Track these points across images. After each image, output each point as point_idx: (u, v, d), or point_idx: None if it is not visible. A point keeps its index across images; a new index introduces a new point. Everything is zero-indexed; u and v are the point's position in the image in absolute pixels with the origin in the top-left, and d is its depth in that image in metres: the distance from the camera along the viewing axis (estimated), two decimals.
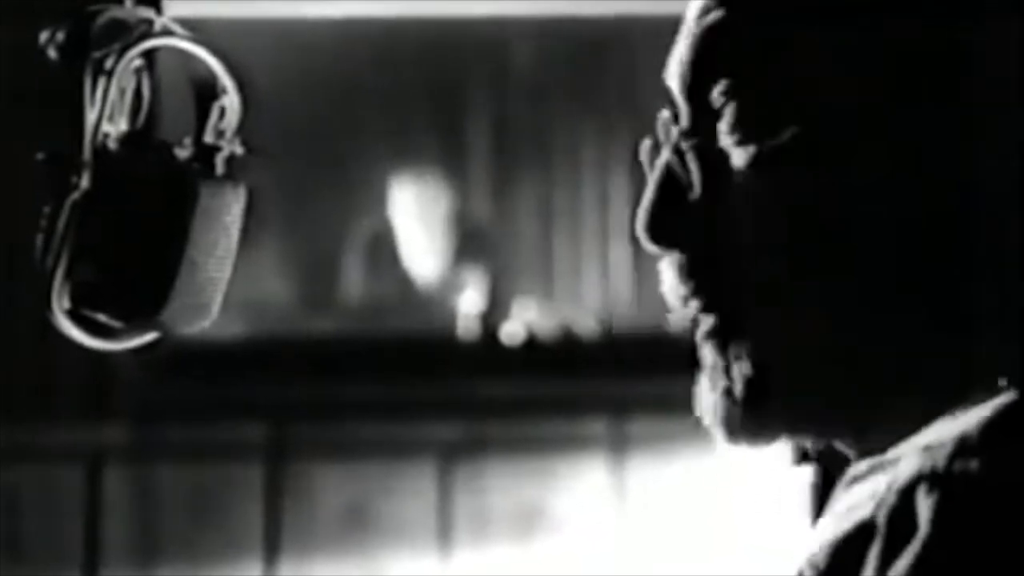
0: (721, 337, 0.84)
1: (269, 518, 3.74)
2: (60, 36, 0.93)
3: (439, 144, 4.45)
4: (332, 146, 4.46)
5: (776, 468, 1.00)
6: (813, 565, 0.78)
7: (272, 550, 3.72)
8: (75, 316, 0.93)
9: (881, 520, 0.74)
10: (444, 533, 3.77)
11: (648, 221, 0.85)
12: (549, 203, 4.51)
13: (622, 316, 4.35)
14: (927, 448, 0.76)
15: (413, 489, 3.77)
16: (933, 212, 0.82)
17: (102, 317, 0.93)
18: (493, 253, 4.42)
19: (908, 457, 0.76)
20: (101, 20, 0.93)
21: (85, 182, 0.92)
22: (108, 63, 0.93)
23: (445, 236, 4.39)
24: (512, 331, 4.16)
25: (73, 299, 0.92)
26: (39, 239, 0.92)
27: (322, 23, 4.33)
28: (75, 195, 0.92)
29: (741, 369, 0.84)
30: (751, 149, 0.83)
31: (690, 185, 0.85)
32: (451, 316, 4.22)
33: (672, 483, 3.70)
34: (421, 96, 4.52)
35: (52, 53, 0.93)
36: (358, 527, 3.75)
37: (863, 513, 0.76)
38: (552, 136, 4.48)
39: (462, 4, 4.32)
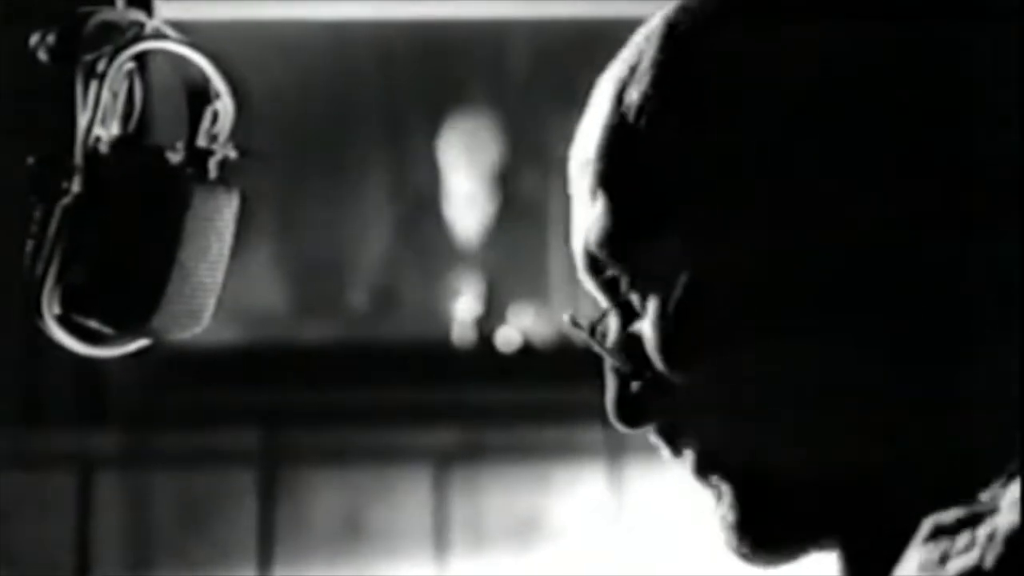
0: (704, 472, 0.87)
1: (262, 525, 3.73)
2: (51, 38, 0.92)
3: (434, 147, 4.44)
4: (326, 150, 4.46)
5: None
6: None
7: (266, 558, 3.71)
8: (66, 322, 0.93)
9: (989, 566, 0.74)
10: (440, 541, 3.76)
11: (617, 415, 0.87)
12: (545, 207, 4.50)
13: None
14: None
15: (408, 496, 3.77)
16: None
17: (93, 323, 0.93)
18: (488, 259, 4.42)
19: (1006, 508, 0.76)
20: (92, 22, 0.93)
21: (76, 186, 0.92)
22: (99, 66, 0.92)
23: (440, 238, 4.39)
24: (508, 337, 4.15)
25: (64, 304, 0.92)
26: (29, 244, 0.92)
27: (316, 25, 4.32)
28: (66, 199, 0.92)
29: (728, 508, 0.86)
30: (654, 305, 0.84)
31: (633, 361, 0.86)
32: (446, 322, 4.22)
33: (670, 491, 3.70)
34: (417, 100, 4.51)
35: (43, 56, 0.92)
36: (353, 535, 3.74)
37: (962, 564, 0.75)
38: (549, 140, 4.48)
39: (458, 6, 4.31)
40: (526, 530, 3.77)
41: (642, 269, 0.85)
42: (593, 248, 0.87)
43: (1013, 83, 0.81)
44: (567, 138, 0.91)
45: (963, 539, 0.76)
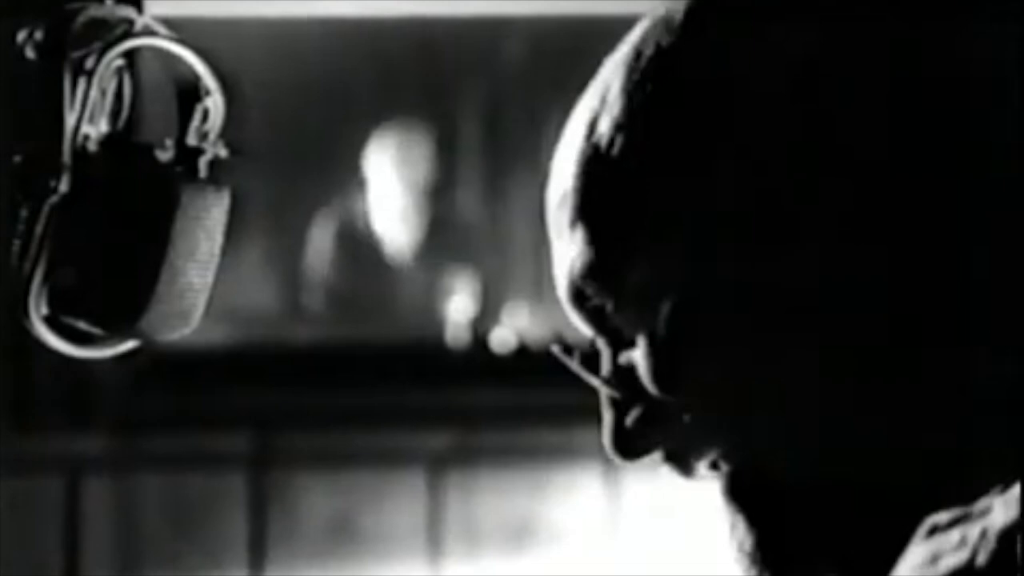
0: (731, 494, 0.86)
1: (253, 530, 3.72)
2: (38, 35, 0.92)
3: (429, 146, 4.44)
4: (319, 148, 4.46)
5: None
6: None
7: (256, 563, 3.71)
8: (53, 323, 0.92)
9: (982, 563, 0.74)
10: (433, 545, 3.76)
11: (614, 447, 0.87)
12: (541, 205, 4.51)
13: None
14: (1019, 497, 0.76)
15: (401, 500, 3.76)
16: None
17: (81, 324, 0.92)
18: (484, 257, 4.42)
19: (1000, 506, 0.76)
20: (81, 19, 0.92)
21: (64, 185, 0.91)
22: (88, 63, 0.91)
23: (435, 239, 4.39)
24: (503, 338, 4.15)
25: (51, 305, 0.91)
26: (16, 243, 0.91)
27: (308, 22, 4.32)
28: (53, 198, 0.91)
29: (743, 534, 0.85)
30: (643, 332, 0.83)
31: (628, 391, 0.86)
32: (440, 322, 4.21)
33: (668, 494, 3.69)
34: (410, 98, 4.51)
35: (30, 52, 0.92)
36: (345, 539, 3.74)
37: (953, 562, 0.75)
38: (545, 137, 4.48)
39: (452, 3, 4.32)
40: (521, 534, 3.77)
41: (627, 297, 0.84)
42: (577, 280, 0.86)
43: (1009, 83, 0.80)
44: (563, 134, 0.90)
45: (955, 536, 0.76)
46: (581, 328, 0.89)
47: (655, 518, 3.73)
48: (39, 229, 0.90)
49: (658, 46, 0.85)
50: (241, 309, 4.14)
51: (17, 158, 0.91)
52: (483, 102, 4.57)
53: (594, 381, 0.88)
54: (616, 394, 0.87)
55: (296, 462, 3.75)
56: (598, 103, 0.86)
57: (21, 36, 0.91)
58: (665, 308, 0.83)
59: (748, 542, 0.85)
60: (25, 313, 0.91)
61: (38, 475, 3.60)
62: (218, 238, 0.92)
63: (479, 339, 4.13)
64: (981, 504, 0.77)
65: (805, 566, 0.85)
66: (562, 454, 3.76)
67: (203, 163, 0.93)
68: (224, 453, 3.70)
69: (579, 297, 0.87)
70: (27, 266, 0.90)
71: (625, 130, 0.84)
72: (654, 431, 0.86)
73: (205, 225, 0.92)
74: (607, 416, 0.88)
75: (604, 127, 0.85)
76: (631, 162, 0.84)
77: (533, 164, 4.52)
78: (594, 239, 0.85)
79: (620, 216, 0.84)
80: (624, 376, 0.86)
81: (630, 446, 0.87)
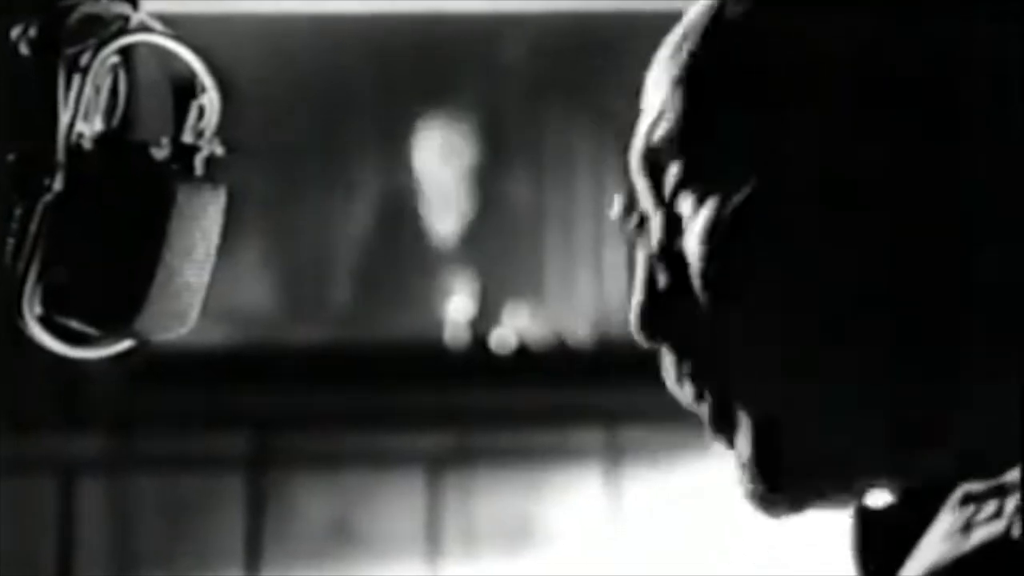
0: (718, 418, 0.86)
1: (250, 531, 3.71)
2: (33, 31, 0.92)
3: (428, 144, 4.43)
4: (316, 146, 4.45)
5: None
6: None
7: (253, 564, 3.70)
8: (47, 322, 0.92)
9: (1017, 535, 0.74)
10: (432, 547, 3.76)
11: (639, 321, 0.87)
12: (541, 205, 4.50)
13: (617, 323, 4.33)
14: None
15: (400, 501, 3.76)
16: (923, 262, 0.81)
17: (76, 323, 0.93)
18: (483, 257, 4.41)
19: None
20: (75, 15, 0.92)
21: (58, 183, 0.91)
22: (83, 60, 0.92)
23: (434, 238, 4.38)
24: (502, 338, 4.14)
25: (45, 304, 0.92)
26: (10, 242, 0.91)
27: (306, 19, 4.31)
28: (48, 197, 0.91)
29: (745, 444, 0.85)
30: (706, 213, 0.84)
31: (666, 283, 0.86)
32: (439, 323, 4.21)
33: (668, 494, 3.69)
34: (410, 95, 4.50)
35: (24, 48, 0.91)
36: (343, 540, 3.74)
37: (987, 533, 0.76)
38: (545, 136, 4.47)
39: (450, 2, 4.31)
40: (520, 536, 3.77)
41: (704, 171, 0.84)
42: (657, 143, 0.86)
43: None
44: (563, 132, 0.90)
45: (990, 508, 0.76)
46: (644, 199, 0.88)
47: (654, 518, 3.72)
48: (33, 228, 0.90)
49: None
50: (238, 308, 4.13)
51: (11, 156, 0.91)
52: (481, 100, 4.56)
53: (641, 252, 0.88)
54: (655, 273, 0.86)
55: (294, 463, 3.75)
56: None
57: (15, 33, 0.92)
58: (737, 191, 0.83)
59: (748, 451, 0.85)
60: (19, 313, 0.91)
61: (33, 476, 3.59)
62: (214, 237, 0.92)
63: (479, 339, 4.12)
64: (1012, 476, 0.77)
65: (802, 478, 0.85)
66: (561, 455, 3.75)
67: (199, 161, 0.93)
68: (221, 454, 3.70)
69: (653, 167, 0.87)
70: (21, 265, 0.90)
71: (755, 3, 0.85)
72: (680, 319, 0.86)
73: (201, 224, 0.91)
74: (638, 291, 0.87)
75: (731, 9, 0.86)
76: (756, 36, 0.84)
77: (532, 164, 4.51)
78: (689, 101, 0.85)
79: (722, 84, 0.85)
80: (669, 259, 0.86)
81: (653, 324, 0.87)
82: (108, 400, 3.66)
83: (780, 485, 0.85)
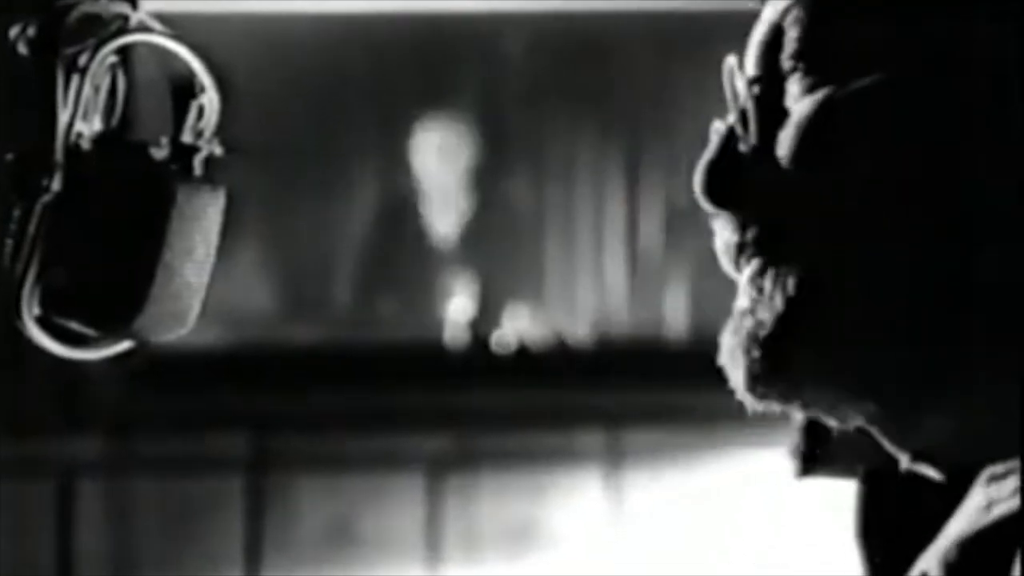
0: (765, 260, 0.85)
1: (250, 533, 3.71)
2: (31, 31, 0.91)
3: (427, 144, 4.43)
4: (316, 147, 4.45)
5: (777, 480, 0.98)
6: (944, 562, 0.80)
7: (253, 566, 3.70)
8: (46, 324, 0.91)
9: None
10: (432, 549, 3.75)
11: (711, 180, 0.86)
12: (541, 205, 4.50)
13: (617, 324, 4.33)
14: None
15: (400, 503, 3.76)
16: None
17: (74, 324, 0.91)
18: (483, 257, 4.41)
19: None
20: (74, 15, 0.91)
21: (57, 184, 0.90)
22: (81, 60, 0.91)
23: (434, 238, 4.38)
24: (503, 339, 4.14)
25: (44, 306, 0.90)
26: (8, 243, 0.90)
27: (305, 18, 4.31)
28: (46, 197, 0.90)
29: (775, 302, 0.84)
30: (824, 90, 0.84)
31: (750, 146, 0.86)
32: (439, 323, 4.21)
33: (669, 496, 3.69)
34: (409, 96, 4.50)
35: (23, 48, 0.91)
36: (343, 543, 3.73)
37: (1004, 509, 0.78)
38: (545, 136, 4.48)
39: (449, 1, 4.31)
40: (521, 538, 3.76)
41: (827, 60, 0.85)
42: (788, 23, 0.86)
43: None
44: (563, 132, 0.90)
45: (1010, 485, 0.79)
46: (753, 69, 0.89)
47: (654, 520, 3.72)
48: (32, 228, 0.89)
49: None
50: (238, 309, 4.13)
51: (10, 156, 0.90)
52: (481, 101, 4.56)
53: (738, 99, 0.87)
54: (741, 134, 0.86)
55: (294, 465, 3.74)
56: None
57: (14, 32, 0.91)
58: (861, 73, 0.84)
59: (767, 324, 0.84)
60: (18, 314, 0.90)
61: (32, 478, 3.59)
62: (214, 237, 0.91)
63: (479, 340, 4.12)
64: None
65: (804, 371, 0.84)
66: (562, 457, 3.75)
67: (198, 161, 0.92)
68: (221, 456, 3.70)
69: (773, 42, 0.87)
70: (20, 266, 0.89)
71: None
72: (747, 183, 0.86)
73: (200, 224, 0.91)
74: (712, 148, 0.87)
75: None
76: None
77: (532, 164, 4.51)
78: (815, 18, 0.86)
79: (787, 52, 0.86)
80: (766, 123, 0.86)
81: (720, 185, 0.86)
82: (107, 402, 3.65)
83: (788, 362, 0.84)
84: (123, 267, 0.89)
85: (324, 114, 4.45)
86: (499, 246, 4.45)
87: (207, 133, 0.92)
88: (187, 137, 0.92)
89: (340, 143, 4.46)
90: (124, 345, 0.92)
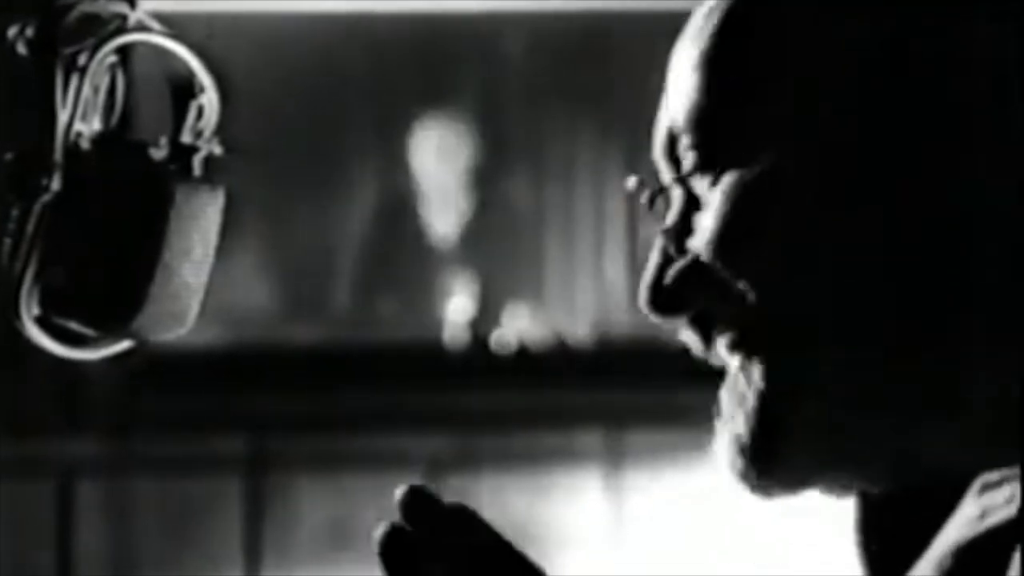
0: (732, 360, 0.86)
1: (250, 534, 3.71)
2: (30, 31, 0.91)
3: (427, 144, 4.43)
4: (315, 146, 4.45)
5: None
6: (940, 571, 0.80)
7: (253, 566, 3.70)
8: (45, 323, 0.91)
9: None
10: None
11: (654, 296, 0.87)
12: (541, 205, 4.49)
13: (617, 324, 4.33)
14: None
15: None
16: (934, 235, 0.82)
17: (73, 324, 0.92)
18: (483, 257, 4.41)
19: None
20: (73, 15, 0.92)
21: (56, 183, 0.90)
22: (81, 59, 0.91)
23: (434, 238, 4.38)
24: (503, 339, 4.14)
25: (43, 305, 0.91)
26: (7, 243, 0.90)
27: (305, 18, 4.31)
28: (45, 197, 0.90)
29: (747, 403, 0.84)
30: (725, 185, 0.85)
31: (679, 252, 0.87)
32: (439, 323, 4.20)
33: (670, 496, 3.69)
34: (408, 95, 4.50)
35: (22, 48, 0.91)
36: (342, 543, 3.73)
37: (998, 518, 0.77)
38: (545, 136, 4.47)
39: (449, 1, 4.31)
40: (521, 539, 3.74)
41: (724, 146, 0.85)
42: (681, 125, 0.87)
43: None
44: (563, 132, 0.90)
45: (1004, 493, 0.78)
46: (663, 175, 0.89)
47: (654, 520, 3.72)
48: (31, 228, 0.89)
49: None
50: (237, 309, 4.13)
51: (9, 156, 0.90)
52: (481, 100, 4.56)
53: (656, 226, 0.89)
54: (670, 247, 0.87)
55: (293, 465, 3.74)
56: None
57: (13, 32, 0.91)
58: (756, 162, 0.83)
59: (747, 432, 0.84)
60: (17, 314, 0.90)
61: (31, 478, 3.58)
62: (213, 237, 0.91)
63: (479, 340, 4.12)
64: None
65: (798, 472, 0.85)
66: (562, 457, 3.75)
67: (197, 161, 0.92)
68: (220, 456, 3.70)
69: (673, 148, 0.88)
70: (19, 266, 0.90)
71: None
72: (690, 291, 0.86)
73: (200, 224, 0.91)
74: (650, 267, 0.88)
75: None
76: (769, 15, 0.86)
77: (532, 164, 4.50)
78: (709, 80, 0.86)
79: (741, 63, 0.86)
80: (683, 234, 0.87)
81: (664, 300, 0.87)
82: (107, 402, 3.65)
83: (776, 465, 0.84)
84: (122, 267, 0.90)
85: (323, 114, 4.44)
86: (499, 246, 4.45)
87: (206, 133, 0.92)
88: (186, 137, 0.92)
89: (339, 143, 4.45)
90: (123, 345, 0.92)
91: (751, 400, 0.84)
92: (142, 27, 0.92)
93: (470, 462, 3.76)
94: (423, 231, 4.40)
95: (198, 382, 3.76)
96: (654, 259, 0.88)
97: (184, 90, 0.92)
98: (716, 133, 0.86)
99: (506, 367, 4.03)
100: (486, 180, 4.45)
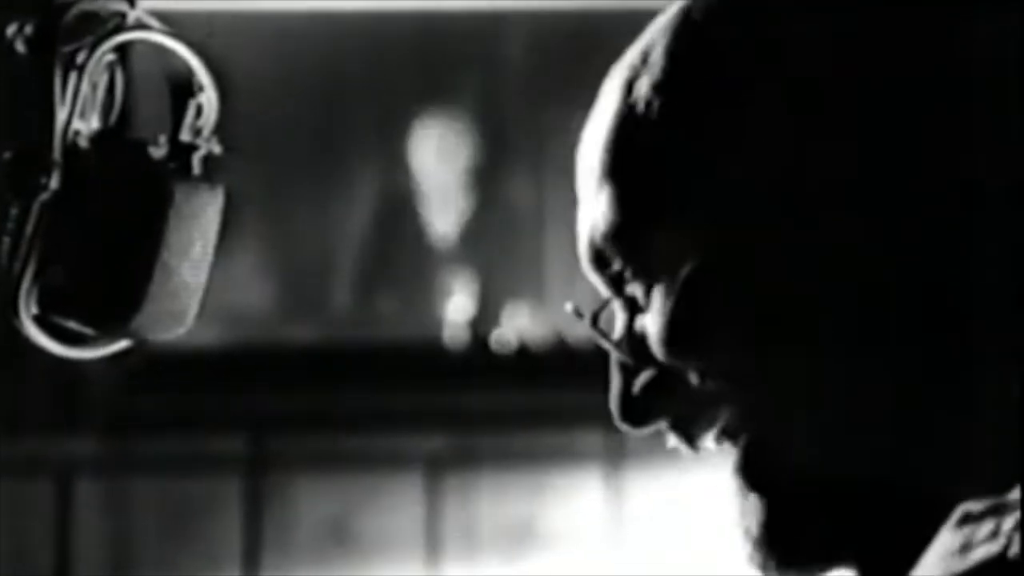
0: (727, 441, 0.85)
1: (249, 533, 3.71)
2: (28, 29, 0.91)
3: (427, 144, 4.43)
4: (314, 145, 4.45)
5: None
6: None
7: (252, 565, 3.70)
8: (43, 323, 0.91)
9: (1014, 554, 0.73)
10: (431, 549, 3.75)
11: (622, 416, 0.87)
12: (541, 205, 4.49)
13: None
14: None
15: (399, 503, 3.75)
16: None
17: (72, 324, 0.91)
18: (483, 257, 4.41)
19: None
20: (72, 12, 0.91)
21: (54, 182, 0.90)
22: (79, 58, 0.91)
23: (434, 238, 4.38)
24: (503, 339, 4.14)
25: (41, 305, 0.90)
26: (5, 242, 0.90)
27: (305, 16, 4.31)
28: (44, 196, 0.90)
29: (748, 502, 0.84)
30: (658, 295, 0.84)
31: (640, 366, 0.86)
32: (439, 323, 4.20)
33: (670, 497, 3.69)
34: (408, 94, 4.50)
35: (20, 46, 0.90)
36: (341, 543, 3.73)
37: (984, 552, 0.75)
38: (545, 136, 4.47)
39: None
40: (520, 538, 3.76)
41: (648, 259, 0.85)
42: (599, 240, 0.87)
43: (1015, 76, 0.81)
44: (564, 131, 0.90)
45: (987, 527, 0.76)
46: (600, 291, 0.89)
47: (655, 520, 3.72)
48: (29, 227, 0.89)
49: (708, 9, 0.85)
50: (236, 308, 4.13)
51: (7, 155, 0.90)
52: (481, 100, 4.56)
53: (606, 344, 0.88)
54: (627, 359, 0.87)
55: (292, 464, 3.74)
56: (639, 63, 0.87)
57: (11, 30, 0.90)
58: (683, 271, 0.83)
59: (755, 525, 0.84)
60: (15, 313, 0.90)
61: (30, 477, 3.58)
62: (212, 236, 0.91)
63: (479, 339, 4.11)
64: (1014, 495, 0.76)
65: (813, 555, 0.84)
66: (562, 456, 3.75)
67: (197, 160, 0.92)
68: (219, 455, 3.69)
69: (599, 260, 0.87)
70: (17, 265, 0.89)
71: (664, 91, 0.84)
72: (660, 399, 0.86)
73: (199, 223, 0.91)
74: (615, 382, 0.88)
75: (643, 88, 0.86)
76: (666, 123, 0.84)
77: (532, 164, 4.50)
78: (620, 198, 0.85)
79: (648, 176, 0.84)
80: (636, 342, 0.86)
81: (636, 413, 0.87)
82: (105, 401, 3.65)
83: (789, 556, 0.84)
84: (121, 266, 0.89)
85: (323, 112, 4.44)
86: (499, 246, 4.45)
87: (205, 131, 0.92)
88: (185, 135, 0.92)
89: (339, 143, 4.45)
90: (122, 344, 0.92)
91: (750, 499, 0.84)
92: (141, 25, 0.92)
93: (470, 462, 3.76)
94: (423, 231, 4.40)
95: (197, 382, 3.76)
96: (616, 375, 0.87)
97: (183, 88, 0.92)
98: (638, 247, 0.85)
99: (506, 367, 4.03)
100: (486, 180, 4.45)
